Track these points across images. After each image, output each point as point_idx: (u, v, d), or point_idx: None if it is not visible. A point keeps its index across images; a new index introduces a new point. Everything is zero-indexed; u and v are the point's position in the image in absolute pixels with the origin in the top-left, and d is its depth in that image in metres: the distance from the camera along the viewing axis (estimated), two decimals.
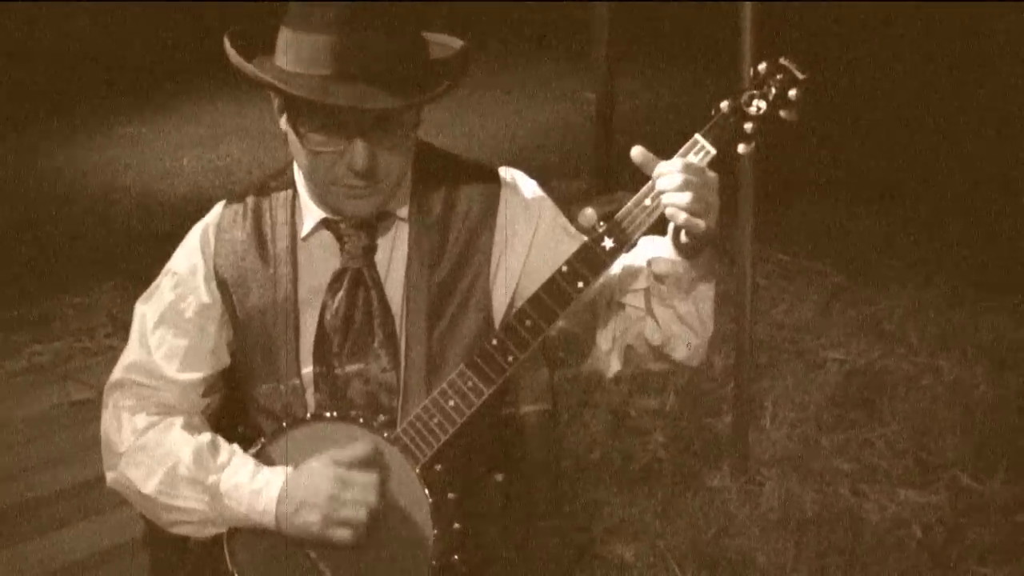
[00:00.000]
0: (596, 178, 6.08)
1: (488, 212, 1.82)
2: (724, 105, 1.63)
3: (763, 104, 1.63)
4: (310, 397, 1.81)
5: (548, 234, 1.84)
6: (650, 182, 1.62)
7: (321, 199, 1.77)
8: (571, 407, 3.94)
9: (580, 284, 1.65)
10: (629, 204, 1.63)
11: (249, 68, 1.65)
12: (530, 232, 1.83)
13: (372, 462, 1.70)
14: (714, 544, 3.16)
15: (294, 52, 1.64)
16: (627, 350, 1.83)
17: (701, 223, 1.60)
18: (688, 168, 1.59)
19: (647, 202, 1.62)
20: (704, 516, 3.29)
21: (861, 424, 3.77)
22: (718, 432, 3.72)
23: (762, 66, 1.65)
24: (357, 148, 1.66)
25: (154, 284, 1.86)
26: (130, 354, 1.84)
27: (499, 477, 1.98)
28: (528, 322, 1.67)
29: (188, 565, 1.87)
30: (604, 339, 1.83)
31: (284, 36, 1.67)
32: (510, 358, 1.67)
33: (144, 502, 1.78)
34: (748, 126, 1.63)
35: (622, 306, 1.80)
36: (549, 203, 1.87)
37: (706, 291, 1.75)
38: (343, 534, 1.66)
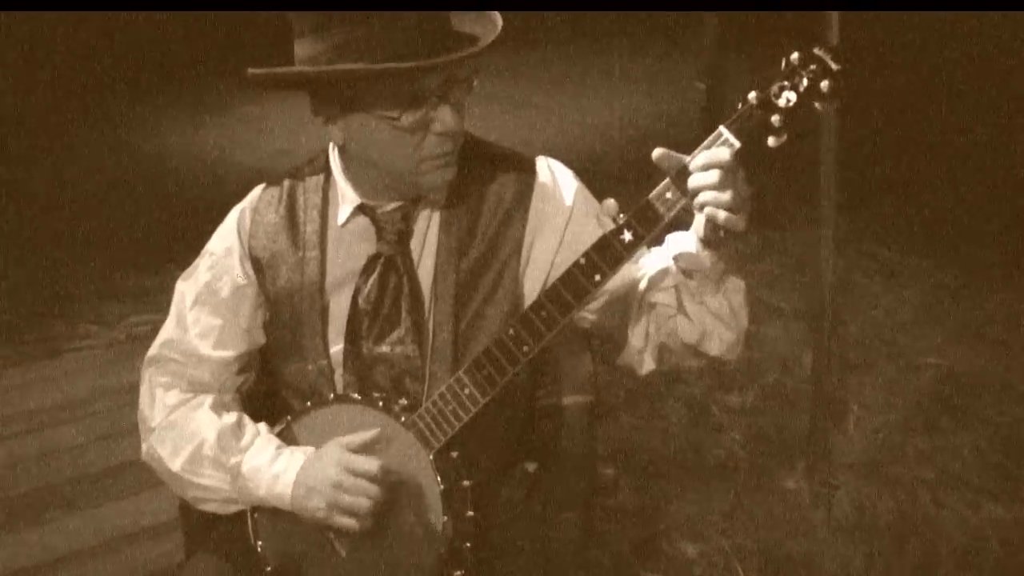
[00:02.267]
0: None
1: (520, 201, 1.81)
2: (752, 96, 1.57)
3: (793, 96, 1.56)
4: (339, 378, 1.83)
5: (581, 226, 1.82)
6: (669, 177, 1.58)
7: (407, 183, 1.76)
8: (650, 399, 3.90)
9: (597, 277, 1.62)
10: (650, 197, 1.59)
11: (332, 69, 1.64)
12: (562, 223, 1.81)
13: (382, 447, 1.72)
14: (781, 546, 3.09)
15: (335, 48, 1.64)
16: (660, 348, 1.80)
17: (741, 221, 1.57)
18: (724, 164, 1.55)
19: (668, 195, 1.58)
20: (774, 517, 3.22)
21: (949, 431, 3.63)
22: (798, 432, 3.63)
23: (794, 56, 1.58)
24: (445, 111, 1.67)
25: (194, 264, 1.91)
26: (167, 331, 1.89)
27: (530, 467, 1.98)
28: (544, 313, 1.65)
29: (217, 537, 1.91)
30: (637, 337, 1.80)
31: (309, 44, 1.67)
32: (524, 348, 1.66)
33: (171, 478, 1.84)
34: (776, 119, 1.56)
35: (653, 304, 1.77)
36: (585, 195, 1.85)
37: (736, 283, 1.71)
38: (347, 521, 1.69)
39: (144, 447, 1.87)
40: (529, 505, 1.93)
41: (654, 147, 1.59)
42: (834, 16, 2.99)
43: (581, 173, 1.91)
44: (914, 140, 6.78)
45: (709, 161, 1.55)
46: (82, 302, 5.01)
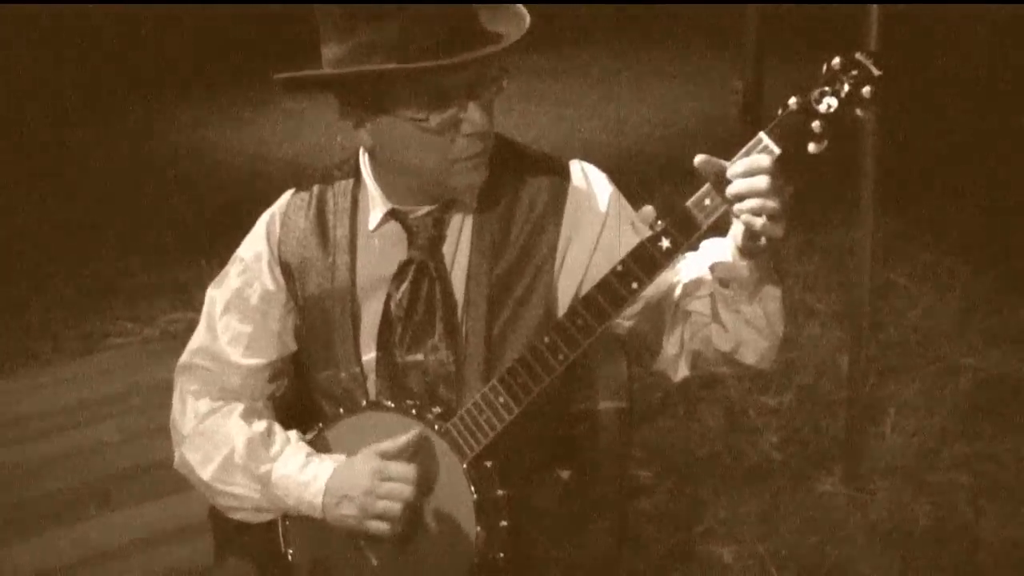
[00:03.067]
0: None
1: (555, 206, 1.79)
2: (792, 102, 1.54)
3: (834, 102, 1.53)
4: (371, 384, 1.82)
5: (615, 231, 1.80)
6: (708, 183, 1.56)
7: (440, 185, 1.74)
8: (687, 402, 3.87)
9: (634, 284, 1.60)
10: (688, 204, 1.57)
11: (354, 71, 1.63)
12: (597, 228, 1.80)
13: (415, 454, 1.71)
14: (817, 551, 3.06)
15: (359, 49, 1.63)
16: (695, 355, 1.78)
17: (780, 229, 1.54)
18: (764, 170, 1.52)
19: (707, 202, 1.56)
20: (809, 522, 3.18)
21: (988, 436, 3.58)
22: (834, 435, 3.60)
23: (835, 61, 1.55)
24: (474, 111, 1.66)
25: (224, 270, 1.90)
26: (198, 338, 1.88)
27: (564, 474, 1.96)
28: (579, 321, 1.63)
29: (248, 543, 1.90)
30: (671, 344, 1.79)
31: (334, 46, 1.65)
32: (560, 356, 1.64)
33: (203, 486, 1.84)
34: (816, 125, 1.53)
35: (688, 312, 1.75)
36: (619, 200, 1.83)
37: (772, 292, 1.68)
38: (379, 527, 1.68)
39: (176, 455, 1.87)
40: (562, 513, 1.91)
41: (692, 147, 1.57)
42: (874, 13, 2.95)
43: (619, 173, 1.89)
44: (955, 141, 6.70)
45: (749, 168, 1.52)
46: (118, 298, 5.04)
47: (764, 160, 1.52)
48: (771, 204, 1.51)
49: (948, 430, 3.62)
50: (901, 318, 4.45)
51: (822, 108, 1.53)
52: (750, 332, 1.70)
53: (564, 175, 1.82)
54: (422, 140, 1.67)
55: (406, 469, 1.67)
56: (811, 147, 1.56)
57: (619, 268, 1.61)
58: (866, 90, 1.53)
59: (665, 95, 8.75)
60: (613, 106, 8.13)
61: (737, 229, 1.61)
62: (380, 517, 1.67)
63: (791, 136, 1.54)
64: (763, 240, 1.57)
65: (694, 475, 3.46)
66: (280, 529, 1.82)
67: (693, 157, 1.56)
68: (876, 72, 1.54)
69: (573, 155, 1.88)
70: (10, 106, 8.43)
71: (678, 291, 1.76)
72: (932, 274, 4.89)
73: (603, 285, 1.61)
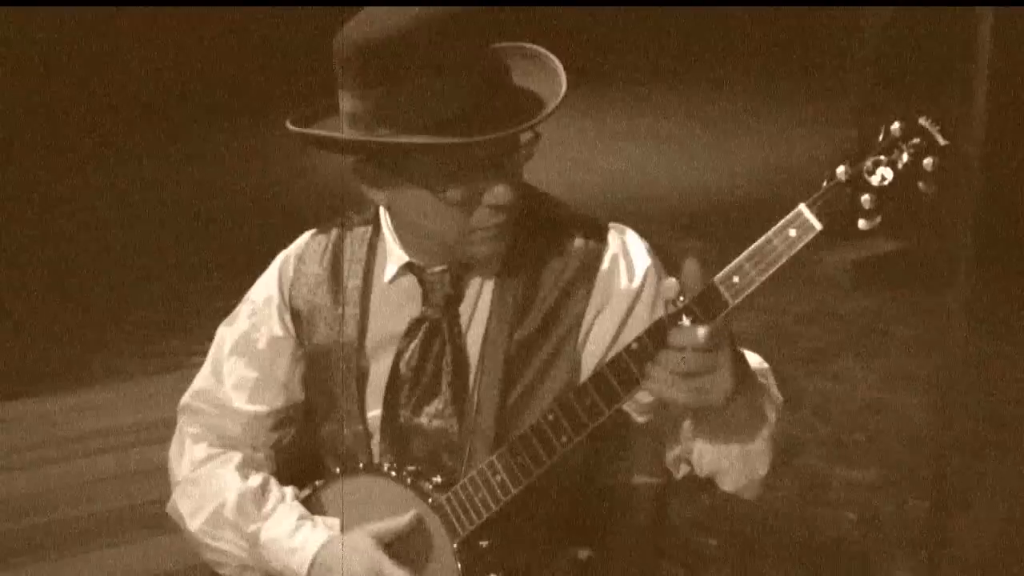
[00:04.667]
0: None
1: (586, 272, 1.64)
2: (840, 171, 1.36)
3: (889, 173, 1.34)
4: (375, 444, 1.71)
5: (648, 307, 1.64)
6: (743, 255, 1.39)
7: (454, 252, 1.63)
8: None
9: (649, 366, 1.45)
10: (716, 279, 1.41)
11: (365, 139, 1.52)
12: (628, 302, 1.64)
13: (411, 536, 1.60)
14: None
15: (375, 111, 1.51)
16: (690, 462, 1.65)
17: (690, 405, 1.43)
18: (692, 346, 1.37)
19: (735, 280, 1.39)
20: None
21: None
22: (918, 517, 3.35)
23: (895, 126, 1.36)
24: (497, 184, 1.54)
25: (236, 309, 1.81)
26: (201, 379, 1.81)
27: (582, 554, 1.81)
28: (588, 401, 1.48)
29: None
30: (674, 448, 1.66)
31: (350, 100, 1.54)
32: (563, 439, 1.50)
33: (190, 537, 1.75)
34: (867, 199, 1.35)
35: (679, 422, 1.61)
36: (657, 270, 1.67)
37: (753, 430, 1.52)
38: None
39: (170, 500, 1.79)
40: None
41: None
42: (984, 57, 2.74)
43: (683, 231, 1.73)
44: None
45: (677, 341, 1.38)
46: (204, 320, 5.05)
47: (698, 334, 1.37)
48: (689, 393, 1.39)
49: None
50: (1007, 388, 4.18)
51: (875, 180, 1.35)
52: (725, 463, 1.56)
53: (600, 240, 1.67)
54: (439, 209, 1.55)
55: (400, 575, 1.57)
56: (861, 223, 1.38)
57: (633, 346, 1.45)
58: (928, 162, 1.34)
59: (774, 139, 8.46)
60: (720, 148, 7.91)
61: None
62: None
63: (836, 210, 1.36)
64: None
65: (763, 548, 3.26)
66: None
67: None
68: (942, 141, 1.35)
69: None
70: (115, 122, 8.60)
71: None
72: None
73: (615, 363, 1.46)
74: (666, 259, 1.71)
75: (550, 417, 1.50)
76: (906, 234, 5.21)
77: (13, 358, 4.83)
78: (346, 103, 1.54)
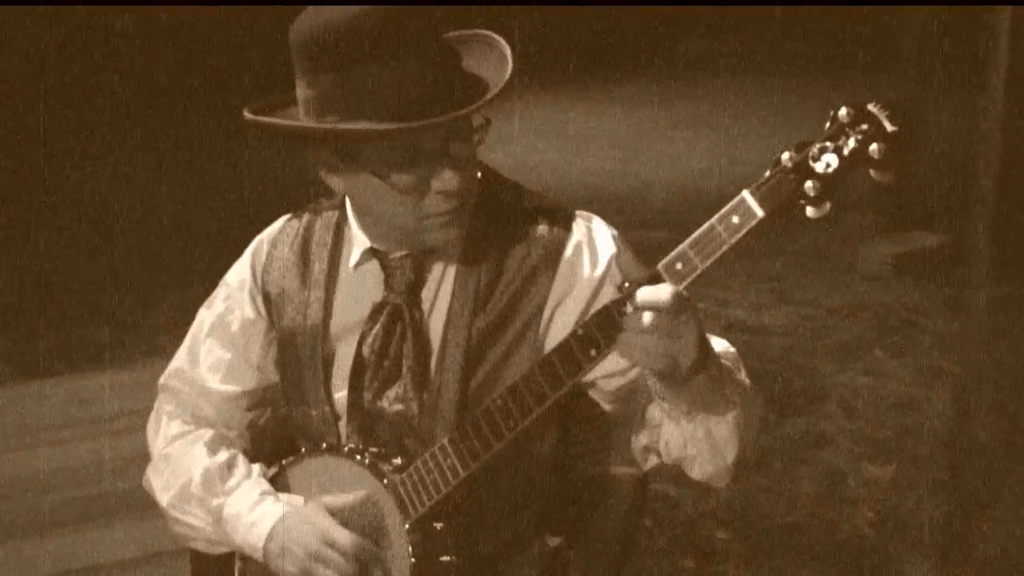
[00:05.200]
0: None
1: (549, 259, 1.63)
2: (785, 157, 1.33)
3: (834, 160, 1.31)
4: (343, 426, 1.71)
5: (608, 297, 1.62)
6: (686, 242, 1.37)
7: (411, 239, 1.63)
8: (785, 461, 3.62)
9: (593, 352, 1.43)
10: (660, 266, 1.38)
11: (328, 127, 1.52)
12: (588, 291, 1.62)
13: (366, 508, 1.60)
14: None
15: (323, 97, 1.52)
16: (660, 453, 1.60)
17: (663, 365, 1.38)
18: (654, 304, 1.34)
19: (679, 266, 1.37)
20: None
21: None
22: (938, 517, 3.29)
23: (842, 112, 1.33)
24: (445, 170, 1.53)
25: (215, 292, 1.83)
26: (179, 359, 1.83)
27: (553, 541, 1.80)
28: (534, 386, 1.47)
29: (216, 570, 1.82)
30: (641, 435, 1.62)
31: (303, 86, 1.55)
32: (511, 423, 1.49)
33: (162, 511, 1.77)
34: (811, 185, 1.32)
35: (645, 409, 1.59)
36: (621, 261, 1.64)
37: (719, 415, 1.48)
38: None
39: (144, 474, 1.81)
40: None
41: None
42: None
43: None
44: None
45: (644, 300, 1.34)
46: None
47: (663, 295, 1.33)
48: (651, 355, 1.36)
49: None
50: None
51: (819, 167, 1.32)
52: (692, 451, 1.52)
53: (565, 228, 1.65)
54: (390, 195, 1.55)
55: (350, 540, 1.57)
56: (810, 211, 1.34)
57: (579, 332, 1.44)
58: (874, 148, 1.30)
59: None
60: (771, 136, 7.81)
61: None
62: None
63: (780, 198, 1.33)
64: (671, 371, 1.40)
65: (774, 543, 3.21)
66: (237, 565, 1.75)
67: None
68: (890, 128, 1.31)
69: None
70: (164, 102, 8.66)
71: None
72: None
73: (561, 349, 1.45)
74: (634, 248, 1.68)
75: (499, 402, 1.50)
76: (948, 229, 5.11)
77: (51, 337, 4.94)
78: (300, 91, 1.55)
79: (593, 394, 1.67)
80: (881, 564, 3.10)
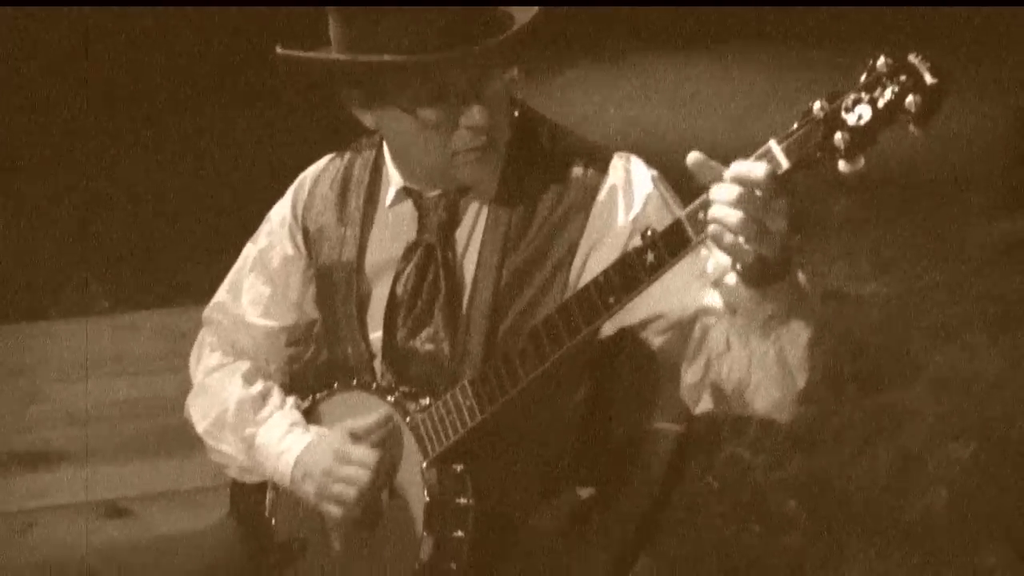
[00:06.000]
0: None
1: (583, 202, 1.60)
2: (816, 107, 1.26)
3: (868, 112, 1.23)
4: (378, 365, 1.73)
5: None
6: (706, 193, 1.33)
7: (442, 176, 1.63)
8: (864, 435, 3.53)
9: (611, 299, 1.41)
10: (682, 215, 1.35)
11: (356, 59, 1.54)
12: (624, 233, 1.58)
13: (386, 441, 1.63)
14: None
15: (356, 37, 1.53)
16: (715, 388, 1.54)
17: (749, 250, 1.28)
18: (747, 180, 1.26)
19: (701, 216, 1.32)
20: None
21: None
22: (1012, 500, 3.17)
23: (880, 61, 1.24)
24: (473, 107, 1.54)
25: (260, 227, 1.87)
26: (221, 293, 1.88)
27: (584, 492, 1.79)
28: (553, 332, 1.46)
29: (249, 504, 1.86)
30: (692, 372, 1.55)
31: (336, 29, 1.57)
32: (527, 367, 1.49)
33: (200, 440, 1.83)
34: (840, 137, 1.23)
35: (706, 337, 1.52)
36: (660, 200, 1.60)
37: (796, 332, 1.40)
38: (333, 510, 1.62)
39: (185, 404, 1.87)
40: (564, 537, 1.74)
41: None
42: None
43: None
44: None
45: (738, 175, 1.27)
46: None
47: (759, 170, 1.26)
48: (748, 225, 1.26)
49: None
50: None
51: (851, 119, 1.24)
52: (759, 374, 1.44)
53: (601, 169, 1.62)
54: (418, 131, 1.56)
55: (367, 454, 1.60)
56: (841, 165, 1.27)
57: (600, 279, 1.42)
58: (910, 100, 1.21)
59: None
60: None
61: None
62: (335, 500, 1.61)
63: (807, 149, 1.27)
64: (744, 267, 1.32)
65: (844, 520, 3.13)
66: (268, 494, 1.79)
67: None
68: (930, 80, 1.22)
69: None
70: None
71: (704, 309, 1.53)
72: None
73: (581, 295, 1.44)
74: (677, 189, 1.64)
75: (519, 347, 1.49)
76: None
77: (148, 271, 5.06)
78: (332, 32, 1.57)
79: (645, 327, 1.61)
80: (950, 548, 3.00)
